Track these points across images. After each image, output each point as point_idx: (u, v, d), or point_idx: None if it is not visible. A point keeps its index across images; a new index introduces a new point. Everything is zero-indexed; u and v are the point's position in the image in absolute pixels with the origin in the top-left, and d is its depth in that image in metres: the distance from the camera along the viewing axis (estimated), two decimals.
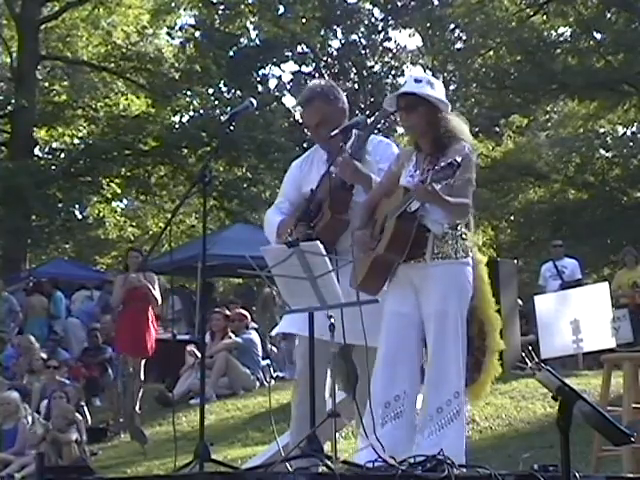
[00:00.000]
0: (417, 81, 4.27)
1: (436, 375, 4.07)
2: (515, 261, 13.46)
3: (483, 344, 4.28)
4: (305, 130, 28.88)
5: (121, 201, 26.05)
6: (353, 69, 29.73)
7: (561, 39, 24.00)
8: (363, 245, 4.24)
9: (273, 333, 4.86)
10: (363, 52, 30.01)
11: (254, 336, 11.82)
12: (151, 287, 9.90)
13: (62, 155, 23.59)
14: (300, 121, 29.35)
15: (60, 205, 22.05)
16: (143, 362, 9.90)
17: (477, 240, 4.59)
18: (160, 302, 10.34)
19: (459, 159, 3.85)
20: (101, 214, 25.38)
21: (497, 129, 26.71)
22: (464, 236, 4.21)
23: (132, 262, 10.02)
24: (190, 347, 11.40)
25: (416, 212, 4.10)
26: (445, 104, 4.24)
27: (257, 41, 27.53)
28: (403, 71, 30.03)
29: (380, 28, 29.87)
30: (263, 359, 11.96)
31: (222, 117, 22.42)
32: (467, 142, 4.17)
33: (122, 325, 10.08)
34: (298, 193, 4.69)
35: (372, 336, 4.09)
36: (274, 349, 13.24)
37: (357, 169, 4.44)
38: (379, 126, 24.56)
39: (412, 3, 28.91)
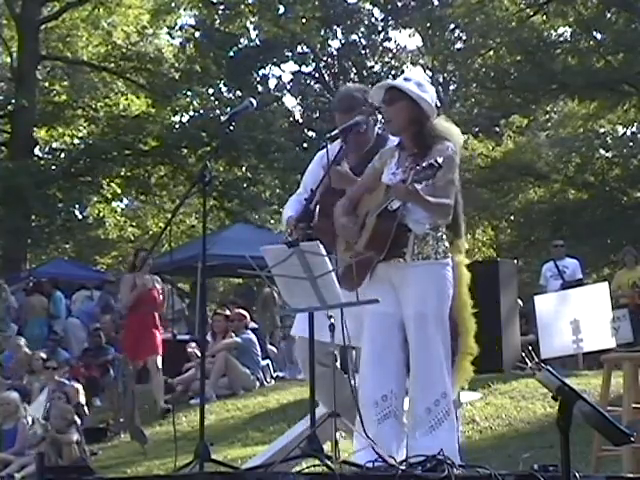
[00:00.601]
0: (406, 79, 4.29)
1: (421, 376, 4.06)
2: (515, 261, 13.46)
3: (455, 345, 4.27)
4: (306, 130, 28.93)
5: (121, 201, 26.08)
6: (353, 69, 29.73)
7: (561, 39, 23.99)
8: (346, 233, 4.24)
9: (293, 332, 4.86)
10: (363, 52, 30.01)
11: (253, 336, 11.83)
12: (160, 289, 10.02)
13: (62, 155, 23.60)
14: (301, 121, 29.40)
15: (60, 205, 22.06)
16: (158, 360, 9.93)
17: (464, 245, 4.52)
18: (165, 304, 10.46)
19: (440, 160, 3.85)
20: (101, 214, 25.39)
21: (497, 129, 26.70)
22: (444, 237, 4.22)
23: (143, 262, 10.01)
24: (193, 347, 11.41)
25: (397, 211, 4.10)
26: (429, 105, 4.23)
27: (257, 41, 27.54)
28: (403, 71, 29.99)
29: (380, 28, 29.89)
30: (263, 359, 11.96)
31: (222, 117, 22.42)
32: (452, 143, 4.17)
33: (131, 326, 10.07)
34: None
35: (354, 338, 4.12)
36: (274, 349, 13.24)
37: (340, 174, 4.47)
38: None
39: (412, 3, 28.92)
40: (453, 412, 4.12)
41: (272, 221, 26.90)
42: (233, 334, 11.47)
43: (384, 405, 4.12)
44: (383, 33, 30.06)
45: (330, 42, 29.55)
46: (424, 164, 3.86)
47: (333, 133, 4.46)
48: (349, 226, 4.24)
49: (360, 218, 4.24)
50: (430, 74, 30.79)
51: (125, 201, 26.67)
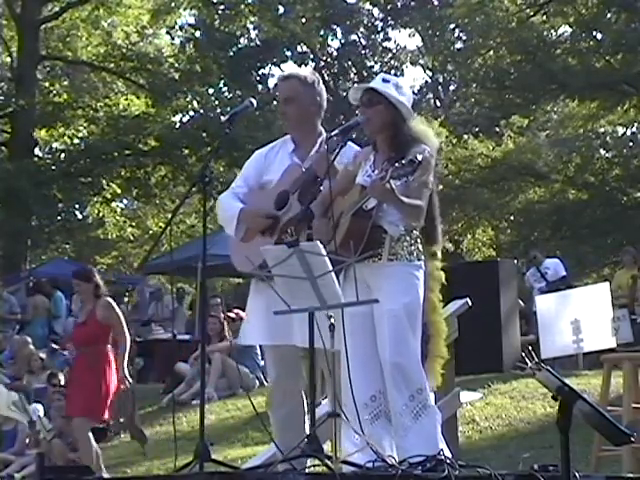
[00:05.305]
0: (384, 81, 4.27)
1: (394, 374, 4.04)
2: (515, 261, 13.47)
3: (426, 348, 4.26)
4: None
5: (121, 201, 26.06)
6: (353, 69, 29.74)
7: (561, 39, 23.99)
8: (319, 234, 4.17)
9: (241, 342, 4.77)
10: (363, 52, 30.02)
11: None
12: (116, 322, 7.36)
13: (62, 155, 23.58)
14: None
15: (60, 205, 22.05)
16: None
17: (439, 249, 4.51)
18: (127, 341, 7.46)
19: (420, 157, 3.85)
20: (101, 214, 25.38)
21: (497, 129, 26.69)
22: (419, 240, 4.22)
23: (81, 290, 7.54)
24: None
25: (371, 211, 4.10)
26: (407, 108, 4.22)
27: (257, 41, 27.54)
28: (403, 71, 30.07)
29: (380, 28, 29.90)
30: (263, 359, 11.94)
31: (222, 117, 22.41)
32: (429, 146, 4.16)
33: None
34: (257, 181, 4.69)
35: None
36: None
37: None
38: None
39: (412, 3, 28.94)
40: (432, 407, 4.12)
41: None
42: (227, 336, 11.44)
43: (373, 405, 4.12)
44: (383, 33, 30.08)
45: (330, 42, 29.62)
46: (404, 161, 3.86)
47: (333, 133, 4.45)
48: (322, 227, 4.21)
49: (332, 220, 4.18)
50: (430, 74, 30.83)
51: (125, 201, 26.67)
